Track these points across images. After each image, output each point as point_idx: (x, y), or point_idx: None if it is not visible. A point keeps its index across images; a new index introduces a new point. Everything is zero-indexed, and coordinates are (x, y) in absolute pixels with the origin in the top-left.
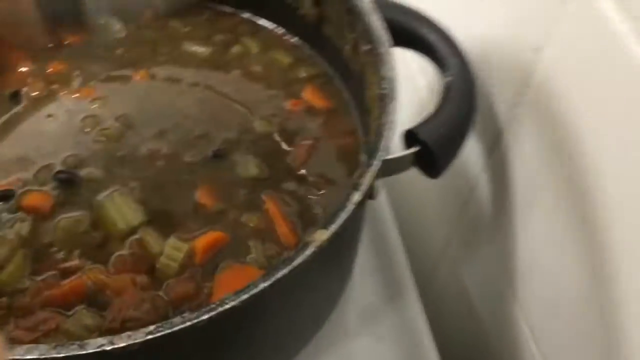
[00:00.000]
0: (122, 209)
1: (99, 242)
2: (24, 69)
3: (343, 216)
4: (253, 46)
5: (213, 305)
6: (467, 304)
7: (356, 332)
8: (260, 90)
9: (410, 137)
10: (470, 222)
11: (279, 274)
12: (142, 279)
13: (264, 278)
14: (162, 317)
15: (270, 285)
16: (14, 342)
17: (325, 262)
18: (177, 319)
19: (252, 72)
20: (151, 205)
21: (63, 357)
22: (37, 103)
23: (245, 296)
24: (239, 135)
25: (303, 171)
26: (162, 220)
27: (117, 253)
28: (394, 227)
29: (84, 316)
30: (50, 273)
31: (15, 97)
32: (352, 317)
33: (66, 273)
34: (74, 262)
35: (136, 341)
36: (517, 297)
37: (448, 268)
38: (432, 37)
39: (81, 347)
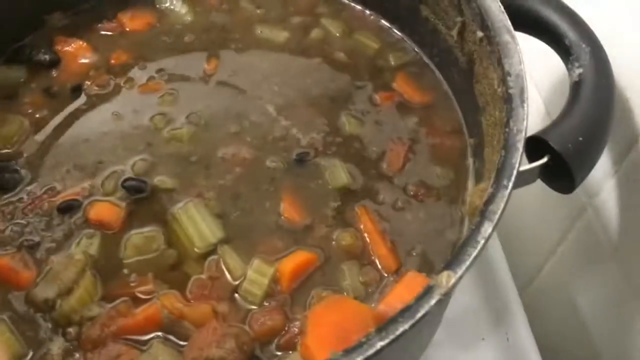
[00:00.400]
0: (198, 223)
1: (173, 262)
2: (85, 60)
3: (472, 254)
4: (335, 29)
5: None
6: (573, 315)
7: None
8: (345, 80)
9: (537, 144)
10: (586, 229)
11: (399, 330)
12: (222, 307)
13: (381, 335)
14: (247, 356)
15: (388, 344)
16: None
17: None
18: None
19: (335, 59)
20: (229, 219)
21: None
22: (101, 99)
23: (359, 358)
24: (324, 137)
25: (400, 179)
26: (242, 236)
27: (194, 276)
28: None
29: (161, 352)
30: (122, 299)
31: (76, 91)
32: (453, 338)
33: (139, 299)
34: (148, 287)
35: None
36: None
37: (551, 276)
38: (557, 20)
39: None
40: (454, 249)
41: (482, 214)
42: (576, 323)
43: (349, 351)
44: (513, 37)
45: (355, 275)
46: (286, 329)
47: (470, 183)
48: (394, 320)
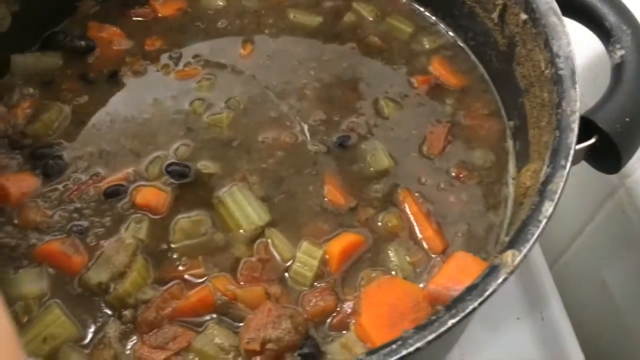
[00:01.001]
0: (244, 207)
1: (221, 245)
2: (119, 47)
3: (535, 234)
4: (367, 13)
5: (394, 347)
6: (603, 293)
7: (494, 334)
8: (381, 64)
9: (583, 125)
10: (616, 209)
11: (468, 308)
12: (274, 289)
13: (451, 313)
14: (302, 336)
15: (459, 321)
16: None
17: None
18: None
19: (369, 43)
20: (273, 202)
21: None
22: (138, 85)
23: (431, 336)
24: (363, 120)
25: (441, 161)
26: (288, 219)
27: (244, 259)
28: None
29: (217, 333)
30: (174, 282)
31: (113, 77)
32: (489, 318)
33: (190, 281)
34: (199, 270)
35: None
36: None
37: (580, 254)
38: (597, 3)
39: None
40: (503, 229)
41: (542, 193)
42: (605, 300)
43: (420, 328)
44: (560, 19)
45: (402, 256)
46: (338, 309)
47: (512, 165)
48: (462, 298)
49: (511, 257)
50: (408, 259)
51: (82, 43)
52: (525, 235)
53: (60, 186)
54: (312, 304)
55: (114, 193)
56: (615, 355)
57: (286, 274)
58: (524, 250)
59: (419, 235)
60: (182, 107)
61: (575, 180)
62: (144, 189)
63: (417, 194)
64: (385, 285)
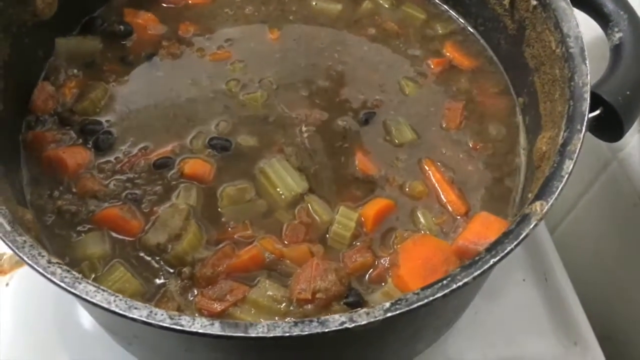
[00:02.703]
0: (284, 176)
1: (265, 210)
2: (154, 31)
3: (559, 187)
4: (383, 1)
5: (445, 282)
6: (599, 261)
7: (502, 296)
8: (399, 48)
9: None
10: (610, 181)
11: (506, 249)
12: (317, 248)
13: (491, 253)
14: (346, 287)
15: (498, 260)
16: (202, 312)
17: None
18: (411, 296)
19: (387, 29)
20: (309, 172)
21: (305, 335)
22: (176, 67)
23: (477, 272)
24: (386, 98)
25: (458, 134)
26: (323, 187)
27: (288, 222)
28: None
29: (269, 286)
30: (226, 243)
31: (151, 59)
32: (497, 281)
33: (241, 243)
34: (247, 232)
35: (377, 319)
36: None
37: (576, 223)
38: None
39: (322, 324)
40: (518, 193)
41: (562, 154)
42: (601, 264)
43: (466, 267)
44: (568, 3)
45: (429, 218)
46: (375, 264)
47: (522, 138)
48: (500, 241)
49: (540, 207)
50: (434, 220)
51: (121, 27)
52: (550, 188)
53: (112, 158)
54: (352, 260)
55: (163, 165)
56: (612, 312)
57: (326, 235)
58: (551, 201)
59: (443, 200)
60: (218, 87)
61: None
62: (191, 161)
63: (439, 163)
64: (419, 242)
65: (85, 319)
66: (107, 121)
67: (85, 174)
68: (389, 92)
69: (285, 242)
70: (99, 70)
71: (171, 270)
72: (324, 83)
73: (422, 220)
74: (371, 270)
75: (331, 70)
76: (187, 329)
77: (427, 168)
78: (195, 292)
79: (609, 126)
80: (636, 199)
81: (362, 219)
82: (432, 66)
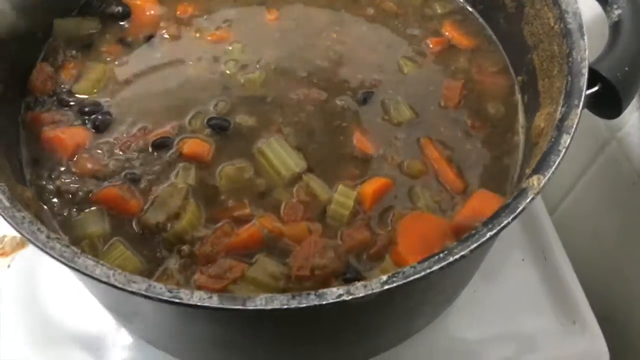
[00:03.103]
0: (282, 156)
1: (263, 190)
2: (152, 12)
3: (556, 161)
4: None
5: (442, 256)
6: (599, 242)
7: (501, 275)
8: (398, 28)
9: (588, 75)
10: (609, 161)
11: (502, 223)
12: (316, 227)
13: (488, 227)
14: (344, 264)
15: (495, 233)
16: (201, 289)
17: None
18: (408, 269)
19: (385, 9)
20: (307, 151)
21: (303, 307)
22: (174, 47)
23: (474, 245)
24: (385, 77)
25: (457, 113)
26: (321, 166)
27: (286, 201)
28: None
29: (268, 264)
30: (224, 221)
31: (149, 39)
32: (495, 260)
33: (239, 221)
34: (246, 210)
35: (374, 291)
36: None
37: (575, 204)
38: None
39: (320, 297)
40: (516, 171)
41: (559, 128)
42: (600, 244)
43: (463, 241)
44: None
45: (427, 196)
46: (374, 242)
47: (521, 116)
48: (497, 215)
49: (537, 181)
50: (432, 198)
51: (119, 9)
52: (547, 163)
53: (110, 139)
54: (350, 237)
55: (162, 145)
56: (611, 293)
57: (325, 214)
58: (548, 175)
59: (441, 178)
60: (217, 67)
61: None
62: (189, 141)
63: (437, 142)
64: (417, 219)
65: (88, 299)
66: (105, 102)
67: (84, 155)
68: (387, 71)
69: (284, 221)
70: (98, 51)
71: (170, 249)
72: (323, 63)
73: (420, 198)
74: (369, 247)
75: (330, 50)
76: (186, 301)
77: (425, 147)
78: (195, 270)
79: (607, 103)
80: (635, 178)
81: (361, 197)
82: (431, 46)
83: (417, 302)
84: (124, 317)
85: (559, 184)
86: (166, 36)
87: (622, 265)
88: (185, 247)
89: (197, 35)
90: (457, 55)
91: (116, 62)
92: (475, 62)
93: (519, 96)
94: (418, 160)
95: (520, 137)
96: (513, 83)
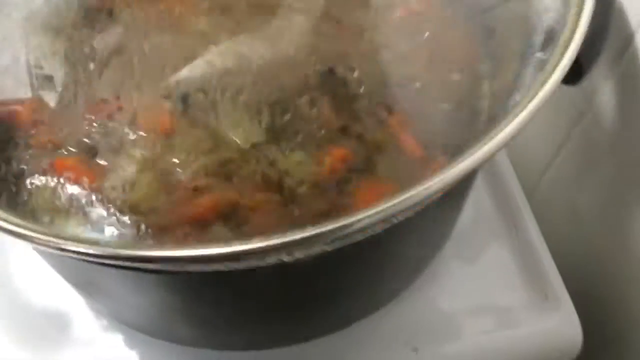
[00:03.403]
0: (242, 125)
1: (222, 160)
2: None
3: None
4: None
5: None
6: (576, 215)
7: (472, 250)
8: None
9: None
10: (584, 133)
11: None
12: (274, 196)
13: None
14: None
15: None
16: None
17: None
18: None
19: None
20: (270, 121)
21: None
22: (136, 20)
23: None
24: (351, 48)
25: (422, 81)
26: (284, 136)
27: (245, 171)
28: None
29: (223, 234)
30: (182, 192)
31: (111, 14)
32: (467, 236)
33: (197, 191)
34: (205, 181)
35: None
36: None
37: (553, 181)
38: None
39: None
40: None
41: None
42: (576, 222)
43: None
44: None
45: (388, 165)
46: (333, 211)
47: (485, 82)
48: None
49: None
50: (393, 166)
51: None
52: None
53: (69, 109)
54: (308, 207)
55: (120, 115)
56: (587, 268)
57: (284, 183)
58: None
59: (404, 146)
60: (179, 39)
61: (547, 109)
62: (148, 111)
63: (400, 110)
64: (373, 187)
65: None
66: (65, 73)
67: (41, 126)
68: (353, 43)
69: (242, 191)
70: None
71: (126, 220)
72: (294, 36)
73: (381, 167)
74: (328, 217)
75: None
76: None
77: (389, 116)
78: (150, 242)
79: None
80: (608, 148)
81: (321, 165)
82: (399, 14)
83: (377, 265)
84: (82, 289)
85: (536, 163)
86: (126, 10)
87: (598, 240)
88: (141, 218)
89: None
90: (422, 26)
91: (77, 34)
92: (441, 30)
93: (484, 62)
94: (380, 130)
95: (485, 103)
96: (478, 49)
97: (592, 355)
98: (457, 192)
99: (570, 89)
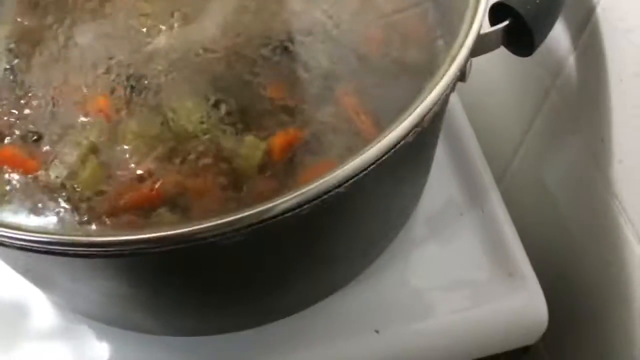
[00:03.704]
0: (191, 109)
1: (171, 144)
2: None
3: (439, 90)
4: None
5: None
6: (546, 197)
7: (437, 230)
8: None
9: (499, 9)
10: (551, 112)
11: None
12: (222, 180)
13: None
14: None
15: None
16: None
17: (417, 149)
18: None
19: None
20: (220, 104)
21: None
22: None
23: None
24: (305, 26)
25: (378, 60)
26: (234, 119)
27: (192, 155)
28: (464, 117)
29: (168, 218)
30: (127, 177)
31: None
32: (432, 215)
33: (143, 177)
34: (149, 166)
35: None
36: (611, 183)
37: (523, 162)
38: None
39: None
40: None
41: (450, 62)
42: (546, 201)
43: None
44: None
45: (341, 146)
46: (280, 193)
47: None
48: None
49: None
50: (346, 148)
51: None
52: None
53: (12, 95)
54: (257, 189)
55: (66, 100)
56: (555, 248)
57: (232, 166)
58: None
59: (357, 126)
60: (129, 23)
61: (513, 87)
62: (94, 97)
63: (355, 90)
64: (321, 168)
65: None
66: (11, 59)
67: None
68: (307, 21)
69: (188, 175)
70: (5, 14)
71: (69, 206)
72: (240, 15)
73: (333, 148)
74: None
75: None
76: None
77: (341, 95)
78: (93, 227)
79: (520, 39)
80: (573, 125)
81: (270, 148)
82: None
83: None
84: (27, 276)
85: (507, 144)
86: None
87: (567, 219)
88: (83, 204)
89: None
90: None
91: (26, 23)
92: (397, 9)
93: (440, 41)
94: (333, 110)
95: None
96: (434, 27)
97: (562, 335)
98: (394, 166)
99: (536, 67)
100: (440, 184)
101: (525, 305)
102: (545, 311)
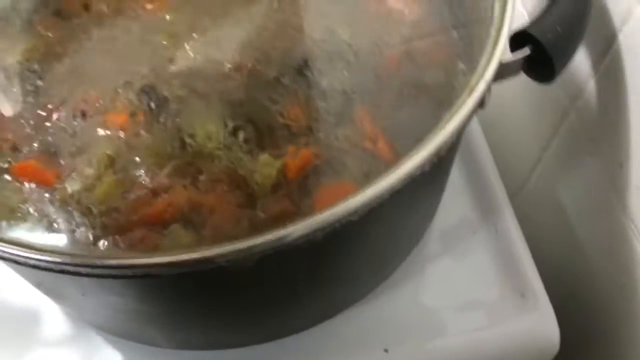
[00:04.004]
0: (208, 126)
1: (187, 160)
2: None
3: (457, 121)
4: None
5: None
6: (560, 217)
7: (450, 247)
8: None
9: (520, 38)
10: (569, 133)
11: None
12: (236, 197)
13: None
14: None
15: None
16: None
17: (433, 175)
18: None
19: None
20: (237, 121)
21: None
22: (110, 15)
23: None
24: (321, 46)
25: (395, 80)
26: (250, 137)
27: (207, 171)
28: (481, 136)
29: (182, 235)
30: (142, 192)
31: (87, 9)
32: (445, 232)
33: (157, 192)
34: (165, 181)
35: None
36: (627, 209)
37: (539, 181)
38: None
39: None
40: None
41: (469, 91)
42: (561, 221)
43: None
44: None
45: (356, 167)
46: (295, 212)
47: (457, 84)
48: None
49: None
50: (361, 169)
51: None
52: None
53: (34, 109)
54: (270, 208)
55: (86, 114)
56: (569, 268)
57: (247, 184)
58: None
59: (373, 147)
60: (151, 38)
61: (531, 107)
62: (114, 111)
63: (372, 111)
64: (335, 190)
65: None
66: (32, 72)
67: (4, 125)
68: (324, 40)
69: (203, 191)
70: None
71: (83, 221)
72: (259, 32)
73: (348, 169)
74: (288, 218)
75: (263, 18)
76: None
77: (358, 116)
78: (106, 242)
79: (541, 66)
80: (593, 148)
81: (285, 167)
82: (371, 8)
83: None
84: (41, 289)
85: (523, 163)
86: (101, 3)
87: (582, 241)
88: (99, 219)
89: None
90: (398, 18)
91: (50, 35)
92: (417, 26)
93: (459, 63)
94: (349, 131)
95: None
96: (453, 50)
97: (573, 355)
98: (410, 193)
99: (555, 89)
100: (454, 201)
101: (536, 328)
102: (557, 332)
